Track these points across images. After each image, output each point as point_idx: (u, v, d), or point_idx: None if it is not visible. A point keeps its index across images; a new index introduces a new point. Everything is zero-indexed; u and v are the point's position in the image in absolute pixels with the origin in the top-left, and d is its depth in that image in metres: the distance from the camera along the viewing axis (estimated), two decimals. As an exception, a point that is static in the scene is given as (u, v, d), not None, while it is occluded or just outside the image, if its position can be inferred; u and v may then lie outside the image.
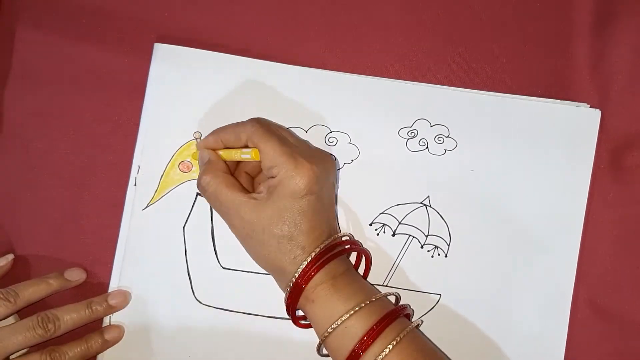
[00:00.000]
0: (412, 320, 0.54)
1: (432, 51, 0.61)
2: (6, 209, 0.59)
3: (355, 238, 0.57)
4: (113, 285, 0.58)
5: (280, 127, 0.55)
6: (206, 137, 0.56)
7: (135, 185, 0.58)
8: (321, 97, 0.59)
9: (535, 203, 0.59)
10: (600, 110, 0.60)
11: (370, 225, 0.59)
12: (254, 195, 0.52)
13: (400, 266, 0.59)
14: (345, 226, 0.59)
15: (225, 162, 0.55)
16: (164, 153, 0.59)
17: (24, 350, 0.53)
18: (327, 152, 0.57)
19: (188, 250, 0.58)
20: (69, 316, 0.54)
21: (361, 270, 0.57)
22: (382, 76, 0.60)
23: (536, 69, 0.61)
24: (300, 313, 0.54)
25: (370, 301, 0.51)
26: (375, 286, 0.58)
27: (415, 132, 0.59)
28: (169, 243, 0.58)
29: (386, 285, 0.58)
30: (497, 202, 0.59)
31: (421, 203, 0.59)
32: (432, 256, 0.59)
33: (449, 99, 0.59)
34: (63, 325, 0.53)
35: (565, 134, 0.59)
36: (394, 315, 0.51)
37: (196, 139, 0.58)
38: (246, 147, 0.53)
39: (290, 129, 0.59)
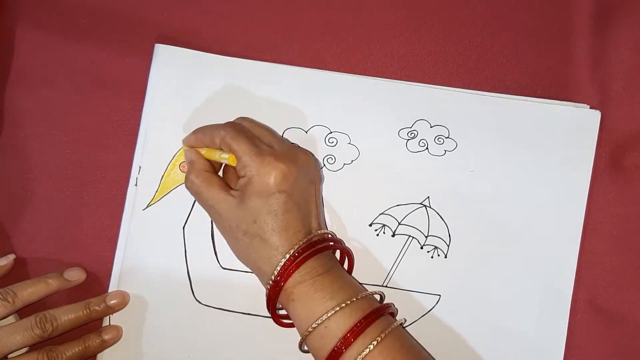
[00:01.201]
0: (397, 318, 0.53)
1: (431, 52, 0.61)
2: (6, 209, 0.59)
3: (357, 238, 0.58)
4: (113, 286, 0.58)
5: (260, 127, 0.56)
6: (188, 135, 0.56)
7: (136, 185, 0.58)
8: (321, 97, 0.59)
9: (535, 204, 0.59)
10: (600, 110, 0.60)
11: (370, 225, 0.59)
12: (231, 192, 0.53)
13: (400, 267, 0.59)
14: (345, 226, 0.59)
15: (208, 160, 0.56)
16: (164, 153, 0.59)
17: (22, 350, 0.53)
18: (304, 151, 0.56)
19: (188, 250, 0.58)
20: (67, 317, 0.54)
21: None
22: (382, 77, 0.60)
23: (536, 69, 0.61)
24: (283, 312, 0.54)
25: (354, 300, 0.50)
26: (375, 287, 0.58)
27: (415, 132, 0.59)
28: (169, 243, 0.58)
29: (386, 286, 0.58)
30: (497, 203, 0.59)
31: (421, 204, 0.59)
32: (432, 257, 0.59)
33: (449, 100, 0.59)
34: (61, 325, 0.53)
35: (565, 135, 0.59)
36: (377, 313, 0.51)
37: None
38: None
39: (291, 129, 0.59)
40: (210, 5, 0.60)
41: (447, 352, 0.58)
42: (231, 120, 0.56)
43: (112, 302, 0.56)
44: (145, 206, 0.58)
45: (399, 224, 0.59)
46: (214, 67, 0.59)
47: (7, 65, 0.60)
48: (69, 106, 0.60)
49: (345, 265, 0.57)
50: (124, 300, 0.57)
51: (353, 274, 0.57)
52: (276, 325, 0.54)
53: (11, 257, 0.57)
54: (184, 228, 0.58)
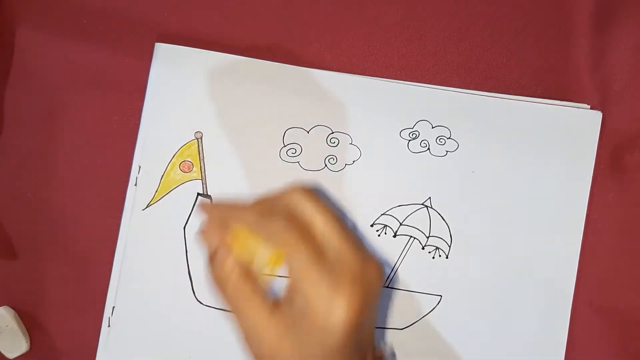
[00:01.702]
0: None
1: (431, 52, 0.61)
2: (6, 209, 0.59)
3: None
4: (112, 286, 0.58)
5: (324, 213, 0.44)
6: (214, 207, 0.45)
7: (135, 185, 0.58)
8: (323, 97, 0.59)
9: (536, 204, 0.59)
10: (601, 110, 0.60)
11: (372, 226, 0.59)
12: (276, 310, 0.41)
13: (401, 267, 0.59)
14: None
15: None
16: (164, 153, 0.58)
17: None
18: (376, 261, 0.45)
19: (189, 250, 0.58)
20: None
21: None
22: (382, 77, 0.60)
23: (536, 69, 0.61)
24: None
25: None
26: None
27: (417, 133, 0.59)
28: (170, 243, 0.58)
29: (387, 287, 0.58)
30: (499, 204, 0.59)
31: (422, 204, 0.59)
32: (433, 257, 0.59)
33: (450, 101, 0.59)
34: None
35: (566, 135, 0.59)
36: None
37: (197, 138, 0.58)
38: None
39: (292, 129, 0.59)
40: (210, 5, 0.60)
41: (448, 352, 0.58)
42: (232, 119, 0.56)
43: None
44: (145, 206, 0.58)
45: (401, 224, 0.59)
46: (215, 65, 0.59)
47: (7, 65, 0.60)
48: (69, 106, 0.59)
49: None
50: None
51: None
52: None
53: None
54: (184, 228, 0.58)
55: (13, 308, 0.58)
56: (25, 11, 0.60)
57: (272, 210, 0.43)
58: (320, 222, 0.43)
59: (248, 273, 0.43)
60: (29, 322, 0.58)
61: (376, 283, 0.42)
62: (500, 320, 0.59)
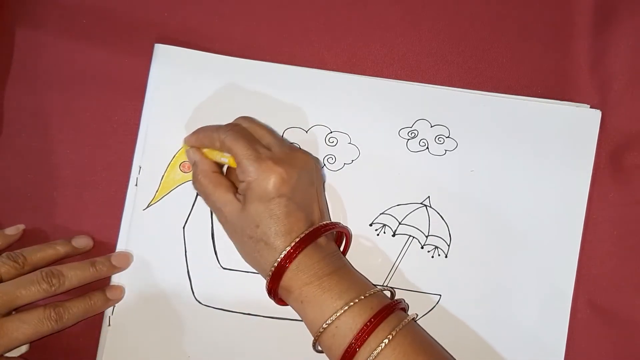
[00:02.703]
0: (409, 314, 0.53)
1: (431, 52, 0.61)
2: (6, 209, 0.59)
3: (356, 239, 0.58)
4: (114, 283, 0.58)
5: (260, 128, 0.56)
6: (189, 135, 0.57)
7: (136, 185, 0.58)
8: (321, 97, 0.59)
9: (535, 204, 0.59)
10: (600, 110, 0.60)
11: (371, 225, 0.59)
12: (237, 195, 0.53)
13: (400, 266, 0.59)
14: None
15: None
16: (165, 153, 0.59)
17: None
18: (303, 152, 0.56)
19: (188, 250, 0.58)
20: (74, 272, 0.54)
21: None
22: (382, 76, 0.60)
23: (536, 69, 0.61)
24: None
25: (362, 298, 0.50)
26: (376, 285, 0.57)
27: (416, 132, 0.59)
28: (169, 243, 0.58)
29: (386, 286, 0.58)
30: (498, 203, 0.59)
31: (421, 203, 0.59)
32: (432, 256, 0.59)
33: (449, 100, 0.59)
34: (67, 281, 0.54)
35: (565, 134, 0.59)
36: (388, 310, 0.51)
37: None
38: None
39: (291, 129, 0.59)
40: (210, 5, 0.60)
41: (448, 351, 0.58)
42: (232, 119, 0.56)
43: (117, 262, 0.57)
44: (146, 206, 0.58)
45: (400, 223, 0.59)
46: (214, 66, 0.59)
47: (7, 65, 0.60)
48: (69, 106, 0.60)
49: (342, 247, 0.57)
50: (127, 261, 0.57)
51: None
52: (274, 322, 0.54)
53: (20, 227, 0.58)
54: (184, 228, 0.58)
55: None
56: (25, 11, 0.60)
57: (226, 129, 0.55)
58: (260, 131, 0.55)
59: (217, 172, 0.55)
60: None
61: (303, 165, 0.53)
62: (500, 319, 0.59)
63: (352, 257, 0.58)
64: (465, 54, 0.61)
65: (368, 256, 0.59)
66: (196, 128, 0.57)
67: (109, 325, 0.58)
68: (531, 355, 0.58)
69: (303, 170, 0.53)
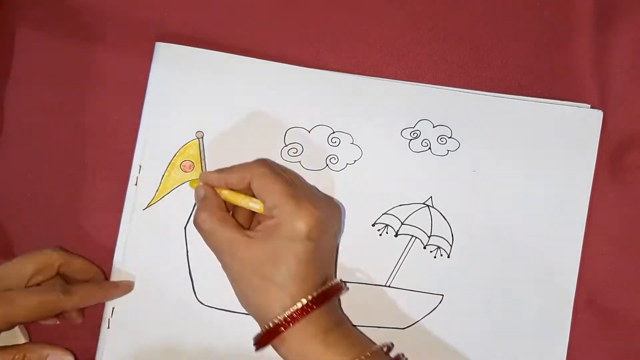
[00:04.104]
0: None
1: (431, 51, 0.61)
2: (6, 209, 0.59)
3: (360, 238, 0.58)
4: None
5: (286, 169, 0.55)
6: (209, 173, 0.54)
7: (136, 184, 0.58)
8: (323, 97, 0.59)
9: (537, 203, 0.59)
10: (601, 110, 0.60)
11: (373, 225, 0.59)
12: (249, 233, 0.51)
13: (402, 267, 0.59)
14: (348, 226, 0.58)
15: (221, 199, 0.54)
16: (165, 152, 0.58)
17: None
18: (333, 199, 0.57)
19: (190, 250, 0.58)
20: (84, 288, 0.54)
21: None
22: (383, 77, 0.60)
23: (537, 69, 0.61)
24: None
25: (365, 356, 0.49)
26: (378, 287, 0.58)
27: (418, 132, 0.59)
28: (170, 243, 0.58)
29: (389, 286, 0.58)
30: (500, 203, 0.59)
31: (424, 204, 0.59)
32: (435, 257, 0.59)
33: (451, 100, 0.59)
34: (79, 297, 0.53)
35: (567, 134, 0.59)
36: None
37: (198, 138, 0.58)
38: (253, 195, 0.52)
39: (294, 128, 0.59)
40: (210, 5, 0.60)
41: (450, 351, 0.58)
42: (234, 119, 0.57)
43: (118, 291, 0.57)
44: (146, 206, 0.58)
45: (402, 223, 0.59)
46: (215, 65, 0.59)
47: (7, 65, 0.60)
48: (69, 106, 0.59)
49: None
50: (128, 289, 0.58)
51: (356, 277, 0.58)
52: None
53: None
54: (185, 228, 0.58)
55: None
56: (25, 11, 0.60)
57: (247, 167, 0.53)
58: (290, 175, 0.53)
59: (225, 215, 0.53)
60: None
61: (333, 214, 0.53)
62: (502, 319, 0.59)
63: (355, 257, 0.58)
64: (465, 54, 0.61)
65: (370, 256, 0.59)
66: (196, 126, 0.57)
67: (108, 327, 0.57)
68: (533, 354, 0.58)
69: (334, 220, 0.52)
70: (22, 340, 0.56)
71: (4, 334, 0.53)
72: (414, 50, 0.61)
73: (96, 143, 0.59)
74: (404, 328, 0.59)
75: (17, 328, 0.56)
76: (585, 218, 0.59)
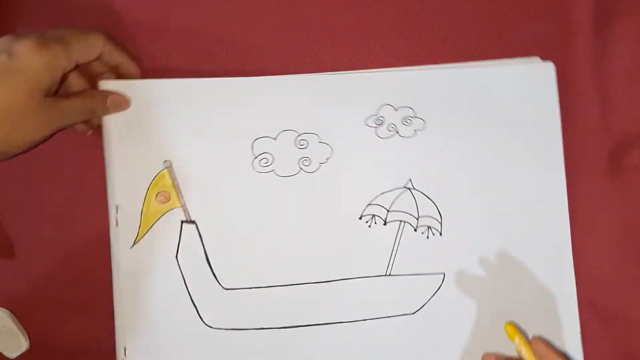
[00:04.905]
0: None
1: (431, 52, 0.61)
2: (6, 209, 0.59)
3: (350, 233, 0.58)
4: (120, 326, 0.57)
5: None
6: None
7: (117, 225, 0.58)
8: (282, 102, 0.59)
9: (513, 161, 0.59)
10: (600, 110, 0.60)
11: (360, 219, 0.59)
12: None
13: (398, 253, 0.59)
14: (335, 224, 0.59)
15: None
16: (138, 188, 0.58)
17: None
18: None
19: (186, 279, 0.58)
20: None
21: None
22: (341, 70, 0.60)
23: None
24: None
25: None
26: (379, 278, 0.58)
27: (382, 119, 0.59)
28: (165, 275, 0.58)
29: (390, 275, 0.58)
30: (478, 172, 0.59)
31: (405, 187, 0.59)
32: (427, 237, 0.59)
33: (408, 80, 0.60)
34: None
35: (525, 92, 0.59)
36: None
37: (167, 167, 0.58)
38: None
39: (260, 139, 0.59)
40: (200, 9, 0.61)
41: (463, 328, 0.58)
42: (198, 140, 0.57)
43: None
44: (132, 244, 0.58)
45: (388, 211, 0.59)
46: (165, 92, 0.58)
47: None
48: None
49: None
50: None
51: (355, 272, 0.58)
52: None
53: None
54: (177, 258, 0.58)
55: (12, 309, 0.58)
56: (25, 11, 0.61)
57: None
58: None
59: None
60: (29, 322, 0.58)
61: None
62: (506, 285, 0.59)
63: (350, 253, 0.58)
64: (465, 54, 0.61)
65: (365, 249, 0.59)
66: (162, 156, 0.58)
67: None
68: (544, 316, 0.58)
69: None
70: (22, 340, 0.56)
71: (4, 334, 0.55)
72: (413, 51, 0.61)
73: (96, 143, 0.59)
74: (414, 313, 0.59)
75: (17, 328, 0.56)
76: (564, 169, 0.59)
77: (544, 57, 0.60)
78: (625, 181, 0.60)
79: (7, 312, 0.56)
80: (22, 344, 0.56)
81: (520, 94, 0.60)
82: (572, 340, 0.58)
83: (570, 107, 0.60)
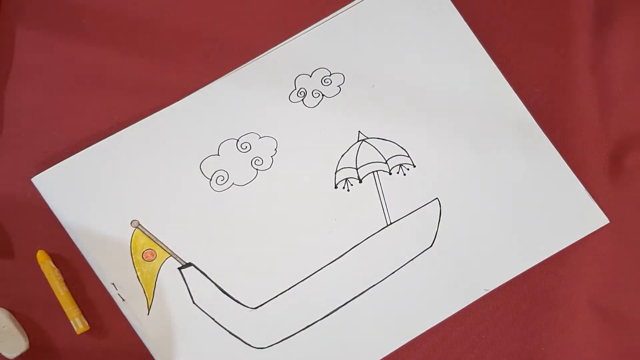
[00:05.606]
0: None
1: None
2: (6, 209, 0.58)
3: (331, 204, 0.58)
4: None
5: None
6: None
7: (123, 300, 0.56)
8: (208, 116, 0.59)
9: (442, 69, 0.60)
10: (600, 109, 0.60)
11: (336, 187, 0.58)
12: None
13: (387, 200, 0.58)
14: (318, 204, 0.58)
15: None
16: (121, 259, 0.57)
17: None
18: None
19: (215, 317, 0.56)
20: None
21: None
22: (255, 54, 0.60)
23: (536, 68, 0.61)
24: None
25: None
26: (383, 230, 0.58)
27: (304, 90, 0.59)
28: (196, 323, 0.56)
29: (391, 223, 0.58)
30: (417, 93, 0.59)
31: (359, 140, 0.59)
32: (405, 174, 0.58)
33: (306, 45, 0.60)
34: None
35: (422, 12, 0.60)
36: None
37: (136, 227, 0.57)
38: None
39: (206, 160, 0.58)
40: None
41: (481, 243, 0.58)
42: (146, 192, 0.57)
43: None
44: (148, 312, 0.56)
45: (357, 169, 0.58)
46: (97, 156, 0.58)
47: (7, 65, 0.59)
48: (69, 106, 0.59)
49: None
50: None
51: (360, 236, 0.57)
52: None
53: None
54: (194, 303, 0.56)
55: (12, 309, 0.57)
56: (25, 11, 0.60)
57: None
58: None
59: None
60: (29, 322, 0.57)
61: None
62: (500, 186, 0.58)
63: (345, 222, 0.58)
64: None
65: (355, 212, 0.58)
66: (127, 217, 0.57)
67: None
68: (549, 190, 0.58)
69: None
70: (22, 340, 0.56)
71: (3, 334, 0.55)
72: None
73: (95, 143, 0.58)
74: (432, 245, 0.58)
75: (16, 329, 0.56)
76: (483, 51, 0.60)
77: (545, 56, 0.61)
78: (625, 181, 0.60)
79: (7, 312, 0.56)
80: (22, 344, 0.56)
81: (420, 15, 0.60)
82: (581, 201, 0.59)
83: (570, 107, 0.61)
